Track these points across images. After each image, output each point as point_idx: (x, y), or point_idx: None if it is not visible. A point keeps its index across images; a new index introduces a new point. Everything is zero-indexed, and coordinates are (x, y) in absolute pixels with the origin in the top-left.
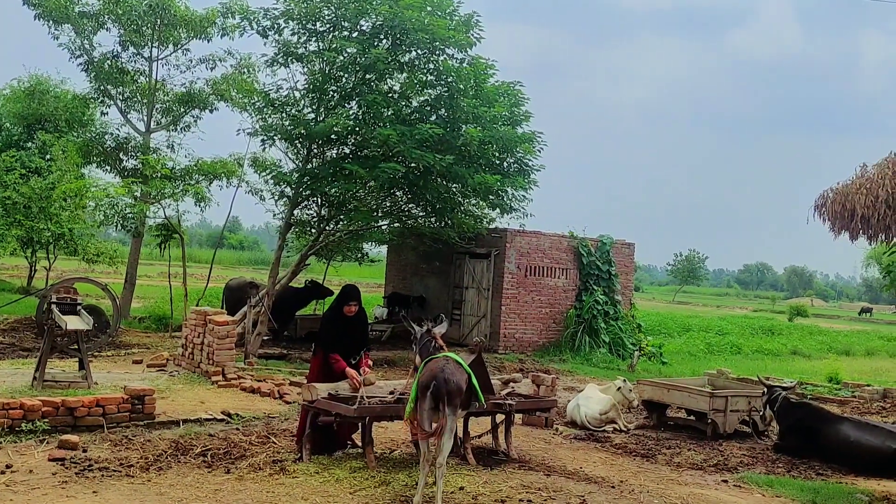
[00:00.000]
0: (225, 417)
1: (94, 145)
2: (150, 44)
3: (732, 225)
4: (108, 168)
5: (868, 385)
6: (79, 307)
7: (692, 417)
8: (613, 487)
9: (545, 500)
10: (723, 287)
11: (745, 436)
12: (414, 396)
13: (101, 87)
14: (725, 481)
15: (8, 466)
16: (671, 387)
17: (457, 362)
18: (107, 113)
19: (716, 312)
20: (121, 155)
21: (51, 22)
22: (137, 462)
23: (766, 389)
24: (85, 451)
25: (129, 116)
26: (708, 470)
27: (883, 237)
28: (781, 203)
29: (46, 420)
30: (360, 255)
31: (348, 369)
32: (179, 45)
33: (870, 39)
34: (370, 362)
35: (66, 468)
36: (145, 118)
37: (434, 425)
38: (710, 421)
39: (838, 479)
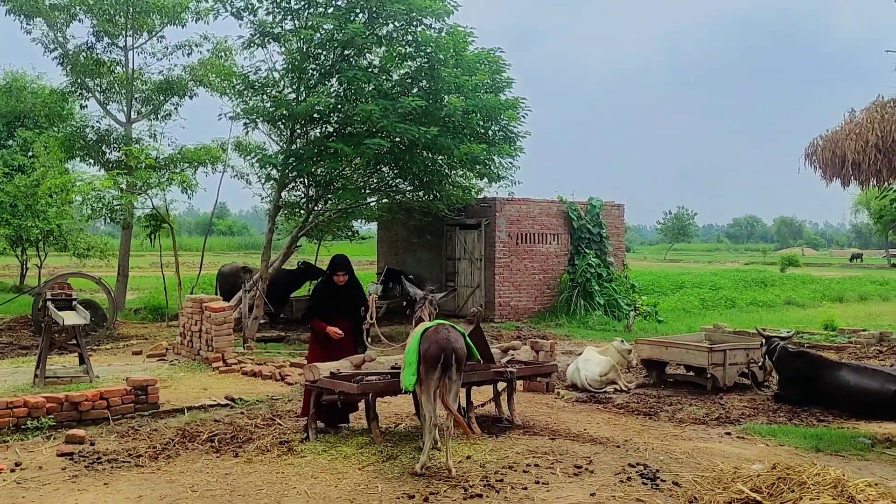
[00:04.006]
0: (229, 402)
1: (76, 139)
2: (124, 33)
3: (720, 180)
4: (92, 161)
5: (864, 330)
6: (74, 302)
7: (691, 373)
8: (619, 447)
9: (552, 463)
10: (713, 242)
11: (745, 388)
12: (415, 366)
13: (79, 80)
14: (728, 434)
15: (17, 464)
16: (669, 344)
17: (452, 327)
18: (86, 106)
19: (708, 268)
20: (103, 147)
21: (22, 16)
22: (146, 452)
23: (764, 340)
24: (92, 444)
25: (108, 108)
26: (710, 424)
27: (874, 181)
28: (767, 155)
29: (52, 416)
30: (350, 234)
31: (329, 328)
32: (154, 33)
33: None
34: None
35: (76, 462)
36: (125, 109)
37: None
38: (709, 375)
39: (840, 424)
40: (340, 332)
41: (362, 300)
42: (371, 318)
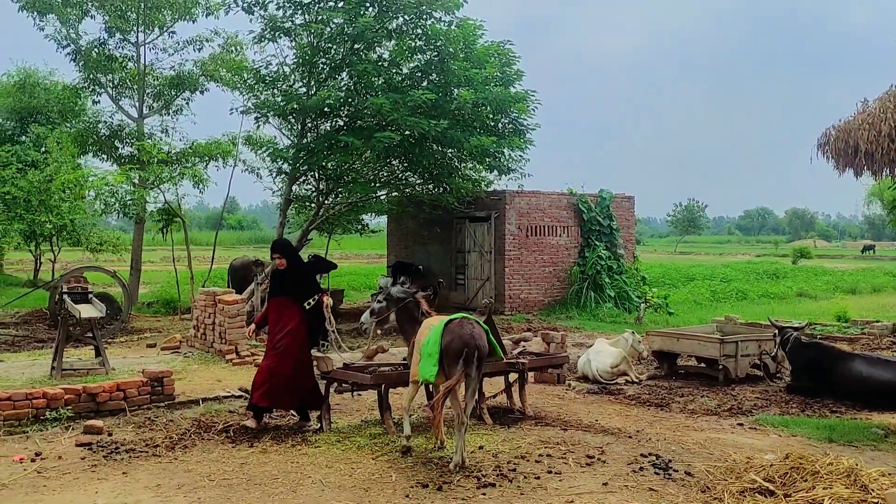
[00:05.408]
0: (243, 394)
1: (89, 135)
2: (135, 28)
3: (730, 171)
4: (105, 156)
5: (877, 321)
6: (90, 295)
7: (703, 365)
8: (630, 437)
9: (564, 453)
10: (724, 235)
11: (757, 379)
12: (437, 357)
13: (91, 76)
14: (741, 424)
15: (37, 454)
16: (681, 336)
17: (476, 322)
18: (98, 101)
19: (718, 260)
20: (116, 142)
21: (35, 13)
22: (162, 442)
23: (777, 331)
24: (110, 434)
25: (120, 103)
26: (723, 415)
27: (888, 171)
28: (778, 146)
29: (70, 407)
30: (360, 227)
31: (249, 327)
32: (165, 28)
33: None
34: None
35: (94, 452)
36: (137, 104)
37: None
38: (721, 367)
39: (852, 415)
40: (252, 334)
41: (311, 289)
42: (328, 323)
